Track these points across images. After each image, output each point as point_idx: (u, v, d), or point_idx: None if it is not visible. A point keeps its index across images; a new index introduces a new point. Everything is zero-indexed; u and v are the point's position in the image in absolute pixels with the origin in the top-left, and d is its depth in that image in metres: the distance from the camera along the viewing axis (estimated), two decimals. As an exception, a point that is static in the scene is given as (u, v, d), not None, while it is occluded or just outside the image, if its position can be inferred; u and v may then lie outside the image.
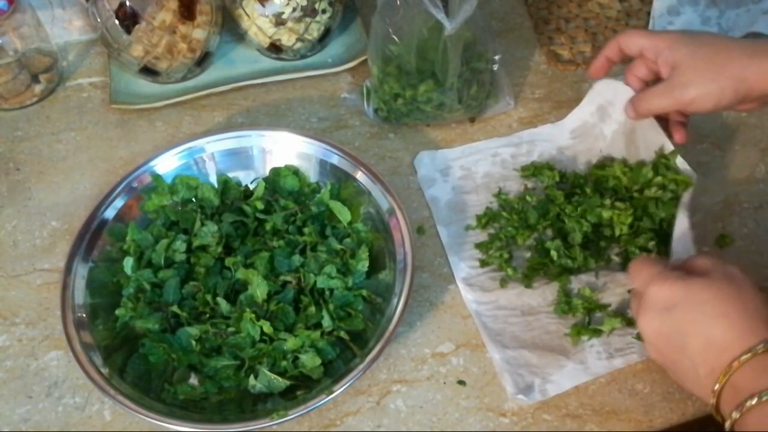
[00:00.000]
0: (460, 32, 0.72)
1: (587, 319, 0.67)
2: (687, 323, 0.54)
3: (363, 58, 0.86)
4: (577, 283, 0.69)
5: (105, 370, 0.61)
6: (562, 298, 0.68)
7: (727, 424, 0.52)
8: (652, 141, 0.72)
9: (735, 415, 0.51)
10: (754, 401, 0.50)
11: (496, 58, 0.81)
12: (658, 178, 0.70)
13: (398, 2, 0.72)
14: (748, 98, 0.64)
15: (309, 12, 0.84)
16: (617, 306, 0.68)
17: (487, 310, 0.68)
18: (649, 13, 0.92)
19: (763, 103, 0.66)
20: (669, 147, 0.71)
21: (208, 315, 0.66)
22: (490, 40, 0.78)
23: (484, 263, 0.71)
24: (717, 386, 0.52)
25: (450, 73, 0.75)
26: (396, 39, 0.75)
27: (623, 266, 0.70)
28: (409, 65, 0.76)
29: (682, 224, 0.65)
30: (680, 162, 0.70)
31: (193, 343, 0.64)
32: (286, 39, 0.86)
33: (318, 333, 0.64)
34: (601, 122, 0.79)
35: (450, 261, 0.72)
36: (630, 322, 0.66)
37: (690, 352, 0.54)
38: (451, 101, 0.78)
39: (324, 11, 0.85)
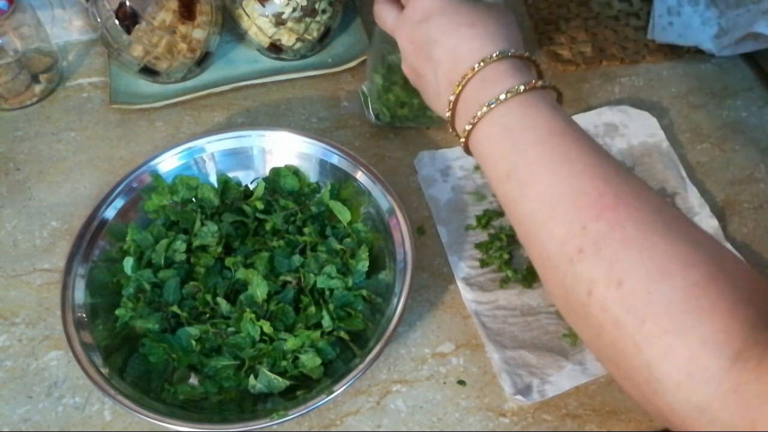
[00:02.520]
0: None
1: None
2: (437, 31, 0.54)
3: (363, 58, 0.86)
4: None
5: (105, 370, 0.61)
6: None
7: (462, 141, 0.52)
8: (657, 174, 0.73)
9: (467, 127, 0.51)
10: (483, 110, 0.50)
11: None
12: None
13: None
14: None
15: (309, 12, 0.84)
16: None
17: (487, 310, 0.68)
18: (649, 13, 0.92)
19: None
20: (672, 185, 0.73)
21: (208, 315, 0.66)
22: None
23: (484, 263, 0.71)
24: (452, 97, 0.52)
25: None
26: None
27: None
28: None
29: None
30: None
31: (193, 343, 0.64)
32: (286, 39, 0.86)
33: (318, 333, 0.64)
34: (606, 136, 0.80)
35: (450, 261, 0.72)
36: None
37: (434, 62, 0.54)
38: None
39: (324, 11, 0.85)
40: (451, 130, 0.55)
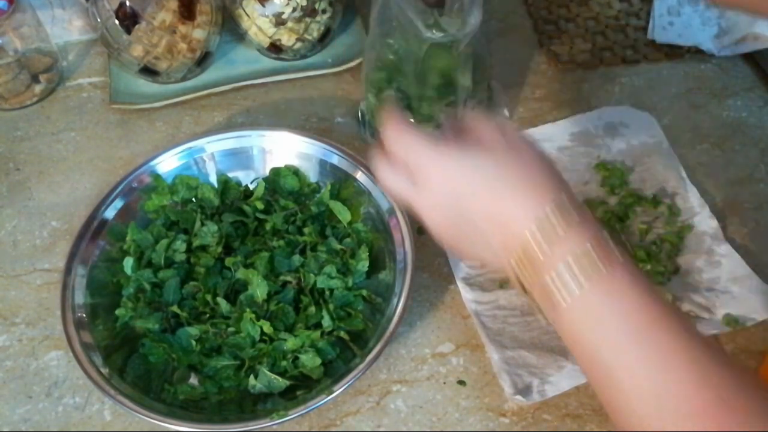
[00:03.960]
0: (467, 49, 0.72)
1: None
2: (470, 199, 0.48)
3: (362, 58, 0.86)
4: None
5: (105, 370, 0.61)
6: None
7: (534, 304, 0.47)
8: (657, 174, 0.73)
9: (544, 307, 0.46)
10: (553, 283, 0.44)
11: (492, 72, 0.81)
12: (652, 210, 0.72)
13: (394, 24, 0.71)
14: None
15: (309, 12, 0.84)
16: None
17: (487, 309, 0.68)
18: (649, 13, 0.92)
19: None
20: (672, 185, 0.73)
21: (208, 315, 0.66)
22: (487, 54, 0.78)
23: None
24: (513, 261, 0.47)
25: (459, 92, 0.75)
26: (395, 60, 0.75)
27: None
28: (410, 88, 0.76)
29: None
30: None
31: (193, 343, 0.64)
32: (286, 39, 0.86)
33: (318, 333, 0.64)
34: (607, 136, 0.80)
35: (450, 261, 0.72)
36: None
37: (479, 232, 0.48)
38: None
39: (324, 11, 0.85)
40: (518, 286, 0.49)
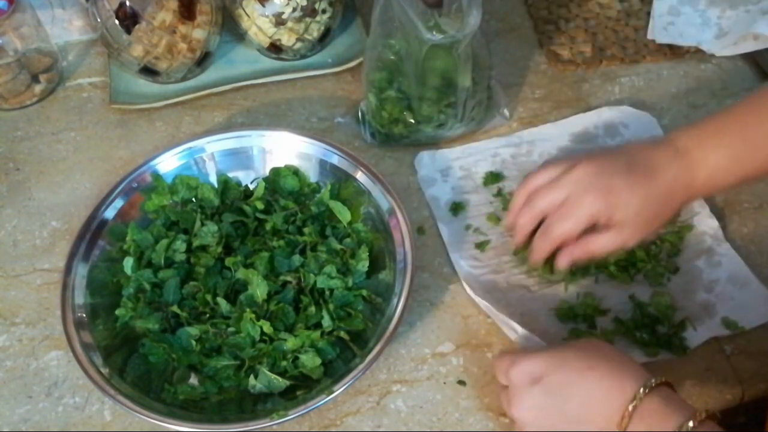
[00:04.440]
0: (467, 49, 0.72)
1: (586, 324, 0.67)
2: (560, 388, 0.53)
3: (362, 58, 0.86)
4: (578, 287, 0.69)
5: (105, 370, 0.61)
6: (563, 304, 0.68)
7: None
8: None
9: None
10: None
11: (492, 72, 0.81)
12: None
13: (395, 24, 0.71)
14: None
15: (309, 12, 0.84)
16: (616, 312, 0.68)
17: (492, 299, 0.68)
18: (648, 13, 0.92)
19: None
20: None
21: (208, 315, 0.66)
22: (487, 54, 0.78)
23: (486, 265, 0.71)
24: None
25: (459, 92, 0.75)
26: (395, 60, 0.75)
27: (622, 271, 0.70)
28: (410, 89, 0.76)
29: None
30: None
31: (193, 343, 0.64)
32: (286, 39, 0.86)
33: (318, 333, 0.64)
34: (607, 136, 0.80)
35: (451, 258, 0.71)
36: (629, 329, 0.66)
37: (573, 414, 0.53)
38: (452, 120, 0.78)
39: (324, 11, 0.85)
40: None
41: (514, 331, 0.65)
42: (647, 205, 0.62)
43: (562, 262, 0.64)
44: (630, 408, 0.50)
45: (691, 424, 0.48)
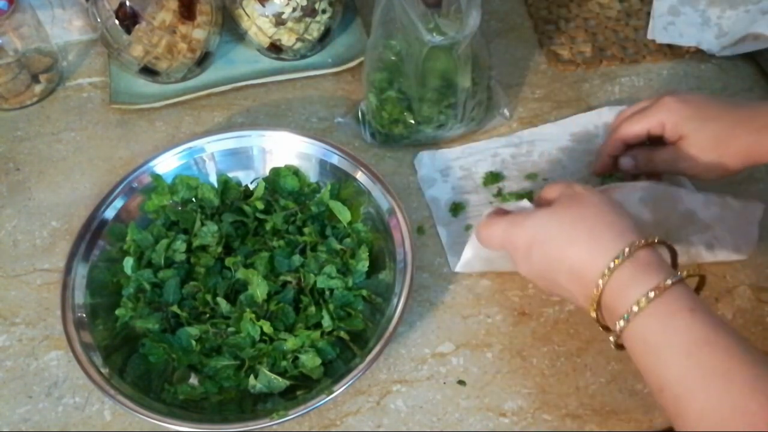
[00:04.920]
0: (467, 50, 0.72)
1: None
2: (547, 261, 0.56)
3: (362, 58, 0.86)
4: None
5: (105, 370, 0.61)
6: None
7: (612, 342, 0.53)
8: None
9: (611, 339, 0.53)
10: (621, 323, 0.50)
11: (492, 73, 0.81)
12: None
13: (397, 25, 0.71)
14: (756, 165, 0.65)
15: (309, 12, 0.84)
16: None
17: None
18: (649, 13, 0.92)
19: None
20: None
21: (208, 315, 0.66)
22: (487, 55, 0.78)
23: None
24: (593, 313, 0.53)
25: (459, 93, 0.75)
26: (396, 61, 0.75)
27: None
28: (410, 90, 0.76)
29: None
30: None
31: (193, 343, 0.64)
32: (286, 39, 0.86)
33: (318, 333, 0.64)
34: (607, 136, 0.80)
35: (449, 261, 0.72)
36: None
37: (562, 283, 0.55)
38: (452, 120, 0.78)
39: (324, 11, 0.85)
40: (606, 332, 0.55)
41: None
42: (725, 130, 0.64)
43: (625, 162, 0.69)
44: (611, 265, 0.51)
45: (652, 294, 0.49)
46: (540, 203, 0.60)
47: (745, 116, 0.64)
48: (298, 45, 0.87)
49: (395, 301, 0.64)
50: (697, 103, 0.66)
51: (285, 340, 0.63)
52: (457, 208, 0.75)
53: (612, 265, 0.51)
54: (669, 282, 0.50)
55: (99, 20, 0.81)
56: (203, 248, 0.69)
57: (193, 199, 0.73)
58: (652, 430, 0.62)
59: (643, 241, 0.52)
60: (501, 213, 0.61)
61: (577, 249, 0.54)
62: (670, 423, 0.49)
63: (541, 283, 0.59)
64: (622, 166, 0.70)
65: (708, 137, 0.64)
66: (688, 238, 0.67)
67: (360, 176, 0.72)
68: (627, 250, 0.51)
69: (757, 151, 0.63)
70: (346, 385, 0.59)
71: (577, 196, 0.56)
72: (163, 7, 0.80)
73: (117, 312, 0.66)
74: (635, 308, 0.49)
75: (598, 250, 0.53)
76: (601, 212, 0.55)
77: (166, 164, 0.74)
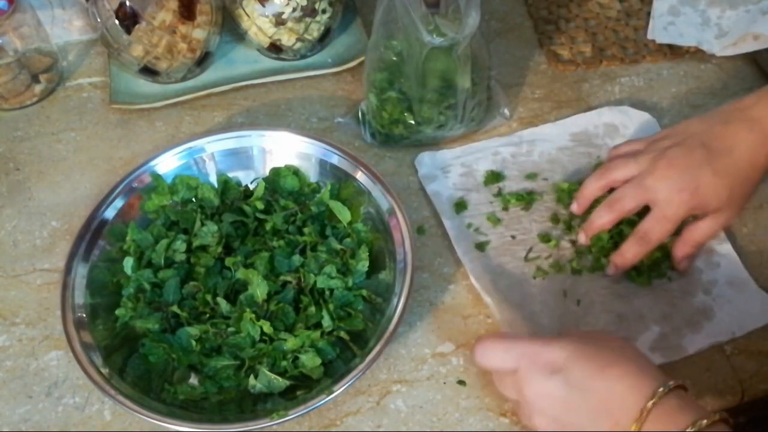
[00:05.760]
0: (466, 51, 0.72)
1: None
2: (581, 381, 0.52)
3: (362, 58, 0.86)
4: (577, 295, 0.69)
5: (105, 370, 0.61)
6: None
7: None
8: None
9: None
10: None
11: (492, 73, 0.81)
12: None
13: (398, 25, 0.71)
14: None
15: (309, 12, 0.84)
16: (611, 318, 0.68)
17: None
18: (649, 13, 0.92)
19: None
20: None
21: (208, 315, 0.66)
22: (486, 55, 0.78)
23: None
24: None
25: (459, 93, 0.75)
26: (397, 61, 0.75)
27: (640, 274, 0.70)
28: (411, 90, 0.76)
29: None
30: None
31: (193, 343, 0.64)
32: (286, 39, 0.86)
33: (318, 333, 0.64)
34: (607, 137, 0.80)
35: (456, 251, 0.71)
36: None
37: (591, 409, 0.52)
38: (452, 121, 0.78)
39: (324, 11, 0.85)
40: None
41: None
42: (735, 185, 0.65)
43: (679, 253, 0.68)
44: (649, 405, 0.50)
45: (705, 422, 0.48)
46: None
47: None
48: (298, 45, 0.87)
49: (395, 301, 0.64)
50: (697, 180, 0.65)
51: (285, 340, 0.63)
52: (459, 206, 0.75)
53: (661, 389, 0.50)
54: (717, 416, 0.50)
55: (99, 20, 0.81)
56: (203, 248, 0.69)
57: (193, 199, 0.73)
58: (652, 430, 0.62)
59: (680, 382, 0.52)
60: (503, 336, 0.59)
61: (621, 371, 0.52)
62: None
63: (557, 409, 0.53)
64: (678, 257, 0.68)
65: (734, 202, 0.66)
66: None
67: (360, 176, 0.72)
68: (672, 382, 0.51)
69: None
70: (346, 385, 0.59)
71: (600, 333, 0.57)
72: (163, 7, 0.80)
73: (117, 312, 0.66)
74: None
75: (640, 375, 0.52)
76: (630, 346, 0.55)
77: (166, 164, 0.74)
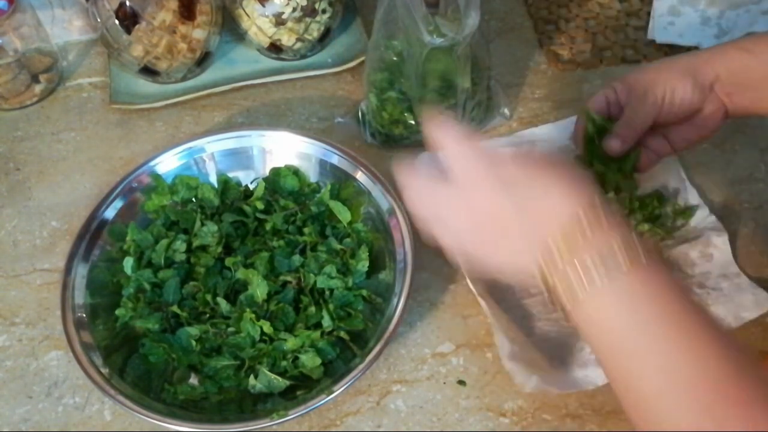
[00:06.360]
0: (466, 51, 0.72)
1: None
2: (509, 190, 0.48)
3: (362, 58, 0.86)
4: None
5: (105, 370, 0.61)
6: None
7: (558, 303, 0.48)
8: (657, 175, 0.73)
9: (580, 295, 0.46)
10: (598, 275, 0.45)
11: (492, 73, 0.81)
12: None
13: (399, 25, 0.71)
14: (704, 86, 0.63)
15: (309, 12, 0.84)
16: None
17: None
18: (649, 13, 0.92)
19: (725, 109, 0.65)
20: (672, 186, 0.73)
21: (208, 315, 0.66)
22: (486, 55, 0.78)
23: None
24: (540, 255, 0.47)
25: (459, 94, 0.75)
26: (397, 61, 0.75)
27: None
28: (411, 90, 0.76)
29: None
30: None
31: (193, 343, 0.64)
32: (286, 39, 0.86)
33: (318, 333, 0.64)
34: None
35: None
36: None
37: (508, 223, 0.48)
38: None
39: (324, 11, 0.85)
40: (541, 283, 0.49)
41: (502, 345, 0.64)
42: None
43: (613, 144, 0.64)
44: (581, 212, 0.46)
45: (641, 252, 0.46)
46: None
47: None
48: (298, 45, 0.87)
49: (395, 301, 0.64)
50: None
51: (285, 340, 0.63)
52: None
53: (582, 211, 0.46)
54: (633, 237, 0.47)
55: (99, 20, 0.81)
56: (203, 248, 0.69)
57: (193, 199, 0.73)
58: (652, 430, 0.62)
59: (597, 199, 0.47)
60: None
61: (550, 189, 0.48)
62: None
63: (473, 233, 0.50)
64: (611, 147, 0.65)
65: (649, 71, 0.65)
66: None
67: (360, 176, 0.72)
68: (597, 200, 0.47)
69: (697, 62, 0.64)
70: (346, 385, 0.59)
71: (548, 156, 0.51)
72: (163, 7, 0.80)
73: (117, 312, 0.66)
74: (621, 261, 0.45)
75: (570, 195, 0.47)
76: (577, 171, 0.50)
77: (166, 164, 0.74)
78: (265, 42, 0.86)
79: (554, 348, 0.66)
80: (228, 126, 0.84)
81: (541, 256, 0.48)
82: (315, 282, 0.66)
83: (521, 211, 0.48)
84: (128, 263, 0.68)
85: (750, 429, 0.41)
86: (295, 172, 0.74)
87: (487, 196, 0.49)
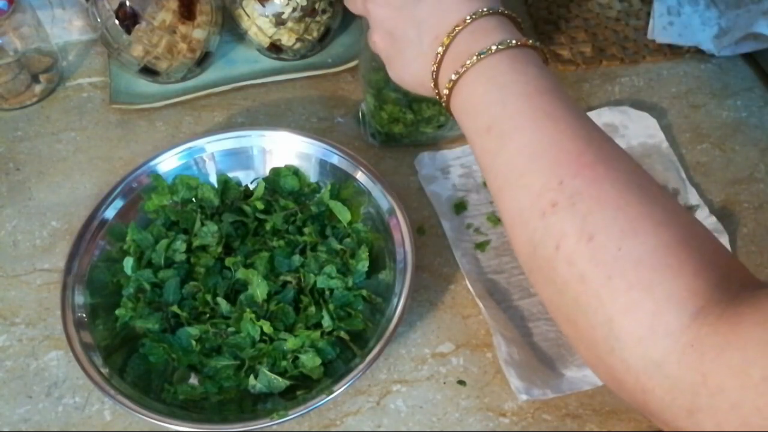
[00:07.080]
0: None
1: None
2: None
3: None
4: None
5: (105, 370, 0.61)
6: None
7: (444, 94, 0.52)
8: (657, 175, 0.73)
9: (453, 77, 0.50)
10: (473, 59, 0.49)
11: None
12: None
13: None
14: None
15: (309, 12, 0.84)
16: None
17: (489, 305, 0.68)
18: (649, 13, 0.92)
19: None
20: (672, 186, 0.73)
21: (208, 315, 0.66)
22: None
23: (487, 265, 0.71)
24: (440, 49, 0.51)
25: None
26: None
27: None
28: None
29: None
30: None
31: (193, 343, 0.64)
32: (286, 39, 0.86)
33: (318, 333, 0.64)
34: None
35: (454, 254, 0.71)
36: None
37: (418, 19, 0.53)
38: (452, 120, 0.77)
39: (324, 11, 0.85)
40: (432, 87, 0.53)
41: (499, 347, 0.64)
42: None
43: None
44: (468, 19, 0.50)
45: (514, 41, 0.49)
46: None
47: None
48: (298, 45, 0.87)
49: (395, 301, 0.64)
50: None
51: (285, 340, 0.63)
52: (458, 207, 0.75)
53: (485, 9, 0.51)
54: (530, 42, 0.51)
55: (99, 20, 0.81)
56: (203, 248, 0.69)
57: (193, 199, 0.73)
58: (652, 430, 0.62)
59: (515, 15, 0.52)
60: None
61: None
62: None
63: (390, 18, 0.55)
64: None
65: None
66: None
67: (360, 176, 0.72)
68: (503, 9, 0.51)
69: None
70: (346, 385, 0.59)
71: None
72: (163, 7, 0.80)
73: (117, 312, 0.66)
74: (494, 48, 0.49)
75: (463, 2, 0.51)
76: None
77: (166, 164, 0.74)
78: (265, 42, 0.86)
79: (553, 348, 0.66)
80: (228, 126, 0.84)
81: (433, 62, 0.52)
82: (315, 282, 0.66)
83: (418, 22, 0.53)
84: (128, 263, 0.68)
85: (594, 189, 0.43)
86: (295, 172, 0.74)
87: (390, 15, 0.55)
